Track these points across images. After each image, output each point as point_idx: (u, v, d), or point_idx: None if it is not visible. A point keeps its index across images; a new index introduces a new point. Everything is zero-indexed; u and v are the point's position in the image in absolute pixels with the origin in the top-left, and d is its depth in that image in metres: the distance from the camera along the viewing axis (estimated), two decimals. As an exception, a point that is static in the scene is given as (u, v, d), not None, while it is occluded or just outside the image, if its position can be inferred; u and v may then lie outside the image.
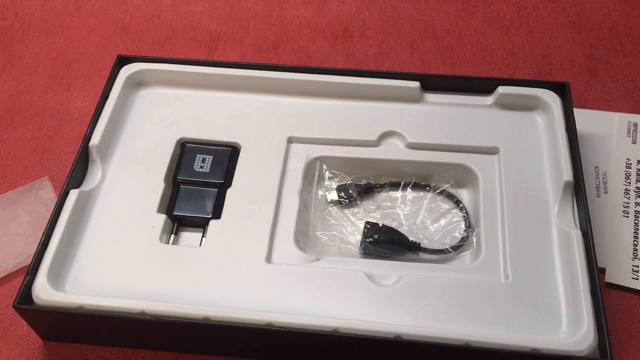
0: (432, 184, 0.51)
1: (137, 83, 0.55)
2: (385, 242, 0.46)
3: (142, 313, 0.42)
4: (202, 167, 0.50)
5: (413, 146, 0.51)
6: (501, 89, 0.53)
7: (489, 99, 0.54)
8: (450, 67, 0.61)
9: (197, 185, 0.50)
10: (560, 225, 0.46)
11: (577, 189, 0.47)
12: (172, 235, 0.48)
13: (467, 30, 0.64)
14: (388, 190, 0.51)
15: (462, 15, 0.65)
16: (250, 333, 0.42)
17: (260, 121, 0.53)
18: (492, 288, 0.44)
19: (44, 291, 0.42)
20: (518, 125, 0.52)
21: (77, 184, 0.49)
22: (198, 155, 0.51)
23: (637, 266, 0.48)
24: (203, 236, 0.48)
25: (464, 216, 0.49)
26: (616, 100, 0.59)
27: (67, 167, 0.50)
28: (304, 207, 0.49)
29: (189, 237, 0.48)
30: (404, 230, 0.48)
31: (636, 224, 0.51)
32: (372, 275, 0.44)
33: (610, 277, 0.48)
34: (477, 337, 0.40)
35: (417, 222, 0.49)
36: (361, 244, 0.47)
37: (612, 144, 0.55)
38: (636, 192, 0.53)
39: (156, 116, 0.53)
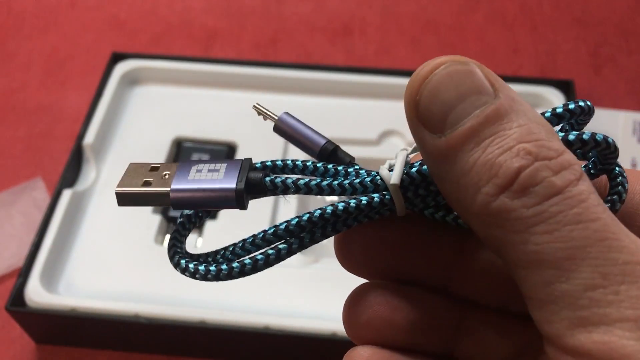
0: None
1: (132, 80, 0.54)
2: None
3: (137, 316, 0.41)
4: (198, 166, 0.50)
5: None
6: (504, 87, 0.52)
7: (491, 97, 0.53)
8: (452, 65, 0.61)
9: (193, 184, 0.49)
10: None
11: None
12: (168, 236, 0.47)
13: (470, 26, 0.63)
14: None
15: (464, 11, 0.64)
16: (247, 336, 0.41)
17: (258, 119, 0.52)
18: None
19: (36, 293, 0.42)
20: (521, 124, 0.51)
21: (71, 184, 0.48)
22: (194, 154, 0.50)
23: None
24: (199, 237, 0.47)
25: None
26: (621, 99, 0.58)
27: (61, 166, 0.49)
28: (302, 207, 0.48)
29: (185, 238, 0.48)
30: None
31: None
32: (372, 278, 0.44)
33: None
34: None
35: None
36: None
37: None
38: (642, 192, 0.52)
39: (151, 114, 0.53)
